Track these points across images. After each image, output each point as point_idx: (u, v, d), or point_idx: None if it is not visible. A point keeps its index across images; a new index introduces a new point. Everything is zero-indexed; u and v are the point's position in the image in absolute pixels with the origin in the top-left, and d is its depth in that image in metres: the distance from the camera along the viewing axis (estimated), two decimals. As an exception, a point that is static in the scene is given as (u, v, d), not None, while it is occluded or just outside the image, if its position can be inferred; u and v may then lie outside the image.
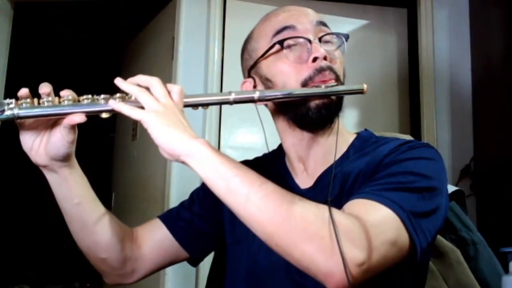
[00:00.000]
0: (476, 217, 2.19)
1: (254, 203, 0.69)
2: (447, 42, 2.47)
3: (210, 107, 0.89)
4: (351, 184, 0.86)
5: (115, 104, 0.77)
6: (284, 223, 0.68)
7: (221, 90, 2.34)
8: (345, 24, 2.53)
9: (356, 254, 0.66)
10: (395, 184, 0.76)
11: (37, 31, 3.66)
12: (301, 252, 0.67)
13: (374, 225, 0.70)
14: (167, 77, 2.36)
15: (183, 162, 0.75)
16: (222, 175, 0.72)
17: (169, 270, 2.17)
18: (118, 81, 0.79)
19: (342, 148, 0.93)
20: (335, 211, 0.69)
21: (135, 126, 2.77)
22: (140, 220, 1.04)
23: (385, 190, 0.75)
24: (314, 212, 0.69)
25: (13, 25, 2.55)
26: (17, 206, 4.26)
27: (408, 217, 0.72)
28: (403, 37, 2.64)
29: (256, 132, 2.38)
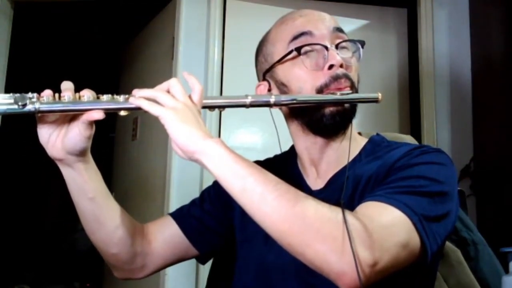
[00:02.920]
0: (476, 217, 2.19)
1: (269, 203, 0.70)
2: (447, 42, 2.47)
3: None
4: (363, 187, 0.87)
5: (135, 100, 0.79)
6: (298, 222, 0.69)
7: (221, 91, 2.34)
8: (345, 24, 2.51)
9: (368, 255, 0.67)
10: (407, 187, 0.77)
11: (37, 31, 3.65)
12: (314, 252, 0.68)
13: (386, 227, 0.71)
14: (167, 77, 2.34)
15: (196, 161, 0.75)
16: (237, 174, 0.72)
17: (169, 270, 2.17)
18: (136, 91, 0.81)
19: (354, 152, 0.95)
20: (348, 212, 0.70)
21: (135, 126, 2.77)
22: (140, 220, 1.04)
23: (397, 193, 0.76)
24: (328, 213, 0.70)
25: (13, 25, 2.55)
26: (17, 206, 4.26)
27: (420, 220, 0.73)
28: (403, 37, 2.64)
29: (256, 132, 2.38)
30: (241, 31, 2.38)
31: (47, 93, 0.78)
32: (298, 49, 0.90)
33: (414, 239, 0.72)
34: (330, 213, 0.70)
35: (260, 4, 2.46)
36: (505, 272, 1.07)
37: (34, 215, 4.42)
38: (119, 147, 3.14)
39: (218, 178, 0.74)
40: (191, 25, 2.42)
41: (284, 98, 0.88)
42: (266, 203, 0.70)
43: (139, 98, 0.79)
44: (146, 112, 0.78)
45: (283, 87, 0.93)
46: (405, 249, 0.71)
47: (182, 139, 0.74)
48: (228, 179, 0.73)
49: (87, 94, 0.80)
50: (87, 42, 3.97)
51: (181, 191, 2.22)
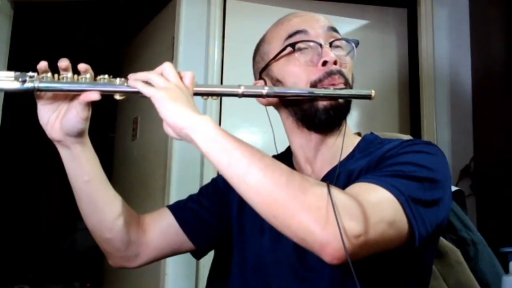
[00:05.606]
0: (476, 217, 2.19)
1: (254, 174, 0.71)
2: (447, 42, 2.47)
3: (212, 103, 0.90)
4: (355, 179, 0.87)
5: (131, 82, 0.81)
6: (282, 193, 0.69)
7: (221, 90, 2.34)
8: (345, 24, 2.53)
9: (352, 226, 0.67)
10: (396, 171, 0.78)
11: (37, 31, 3.65)
12: (298, 222, 0.68)
13: (372, 203, 0.71)
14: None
15: (185, 137, 0.77)
16: (224, 148, 0.73)
17: (169, 270, 2.17)
18: (131, 76, 0.83)
19: (348, 150, 0.96)
20: (333, 187, 0.71)
21: (135, 126, 2.77)
22: (140, 220, 1.04)
23: (386, 176, 0.77)
24: (313, 185, 0.71)
25: (13, 25, 2.55)
26: (17, 206, 4.26)
27: (407, 201, 0.73)
28: (403, 37, 2.64)
29: (256, 132, 2.38)
30: (241, 31, 2.39)
31: (43, 64, 0.81)
32: (293, 45, 0.92)
33: (401, 218, 0.73)
34: (315, 186, 0.71)
35: (260, 4, 2.47)
36: (505, 272, 1.07)
37: (34, 215, 4.42)
38: (119, 147, 3.14)
39: (206, 153, 0.75)
40: (191, 25, 2.42)
41: (277, 89, 0.90)
42: (252, 175, 0.71)
43: (134, 80, 0.81)
44: (141, 96, 0.81)
45: (278, 84, 0.94)
46: (391, 226, 0.72)
47: (172, 116, 0.76)
48: (215, 153, 0.74)
49: (84, 67, 0.84)
50: (87, 42, 3.97)
51: (181, 191, 2.21)
